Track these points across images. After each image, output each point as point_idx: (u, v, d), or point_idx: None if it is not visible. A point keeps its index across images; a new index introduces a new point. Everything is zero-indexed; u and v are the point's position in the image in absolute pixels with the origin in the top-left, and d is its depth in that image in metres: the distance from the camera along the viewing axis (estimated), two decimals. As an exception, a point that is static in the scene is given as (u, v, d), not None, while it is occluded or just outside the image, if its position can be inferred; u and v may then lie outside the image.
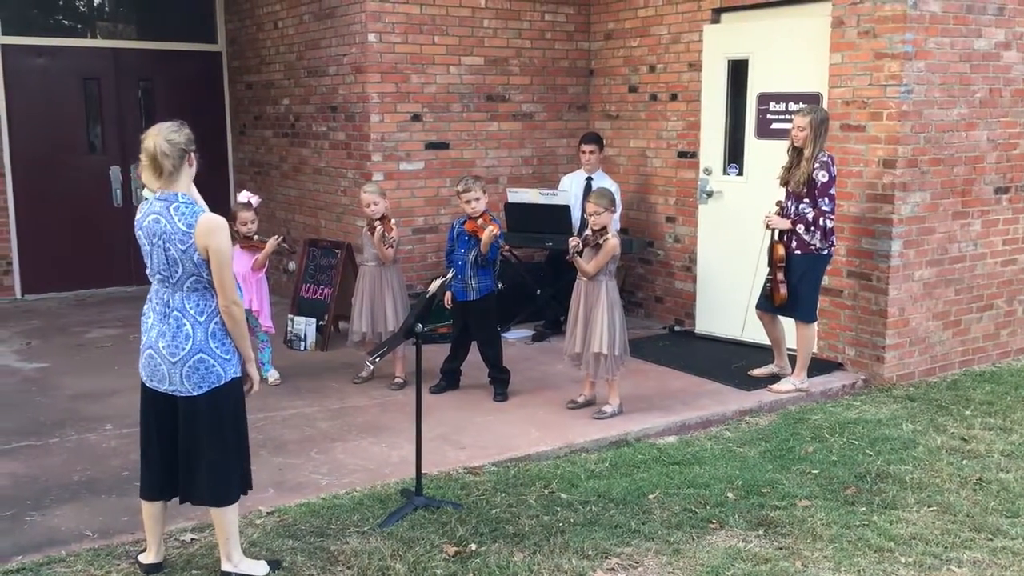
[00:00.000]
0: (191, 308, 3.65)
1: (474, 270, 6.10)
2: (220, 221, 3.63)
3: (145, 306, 3.78)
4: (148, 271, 3.71)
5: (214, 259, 3.58)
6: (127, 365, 6.94)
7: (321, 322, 7.51)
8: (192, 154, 3.67)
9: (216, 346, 3.67)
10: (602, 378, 5.82)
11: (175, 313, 3.65)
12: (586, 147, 7.87)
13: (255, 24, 9.55)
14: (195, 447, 3.71)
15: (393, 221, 6.35)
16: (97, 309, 8.94)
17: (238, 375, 3.77)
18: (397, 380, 6.43)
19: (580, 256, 5.72)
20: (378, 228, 6.20)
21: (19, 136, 9.24)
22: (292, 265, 7.44)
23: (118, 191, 9.72)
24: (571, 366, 6.05)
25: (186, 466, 3.75)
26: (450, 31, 7.98)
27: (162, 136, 3.57)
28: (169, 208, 3.59)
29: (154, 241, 3.61)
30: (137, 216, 3.71)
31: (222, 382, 3.70)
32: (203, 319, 3.65)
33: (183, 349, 3.63)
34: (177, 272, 3.61)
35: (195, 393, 3.67)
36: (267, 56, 9.37)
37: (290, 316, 7.59)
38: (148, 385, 3.75)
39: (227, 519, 3.78)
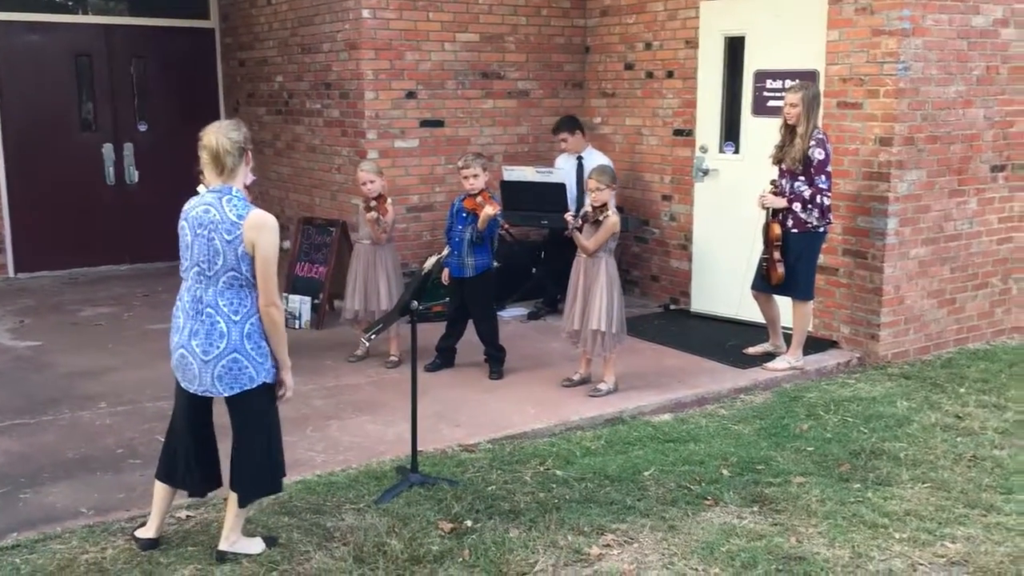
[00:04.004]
0: (224, 306, 3.60)
1: (471, 248, 6.08)
2: (272, 221, 3.60)
3: (175, 307, 3.73)
4: (183, 267, 3.68)
5: (259, 256, 3.55)
6: (121, 343, 6.95)
7: (316, 300, 7.49)
8: (248, 152, 3.68)
9: (251, 347, 3.63)
10: (599, 355, 5.82)
11: (207, 310, 3.60)
12: (558, 136, 7.86)
13: (247, 0, 9.46)
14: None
15: (389, 201, 6.32)
16: (90, 288, 8.90)
17: (269, 381, 3.71)
18: (392, 358, 6.42)
19: (580, 232, 5.71)
20: (372, 211, 6.16)
21: (11, 114, 9.16)
22: (287, 244, 7.40)
23: (111, 169, 9.66)
24: (569, 343, 6.05)
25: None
26: (444, 7, 7.91)
27: (223, 134, 3.59)
28: (221, 200, 3.58)
29: (199, 231, 3.58)
30: (185, 207, 3.68)
31: (253, 385, 3.66)
32: (238, 318, 3.60)
33: (217, 347, 3.59)
34: (216, 264, 3.56)
35: (225, 394, 3.65)
36: (260, 32, 9.29)
37: (284, 294, 7.57)
38: (181, 385, 3.74)
39: (241, 508, 3.80)
